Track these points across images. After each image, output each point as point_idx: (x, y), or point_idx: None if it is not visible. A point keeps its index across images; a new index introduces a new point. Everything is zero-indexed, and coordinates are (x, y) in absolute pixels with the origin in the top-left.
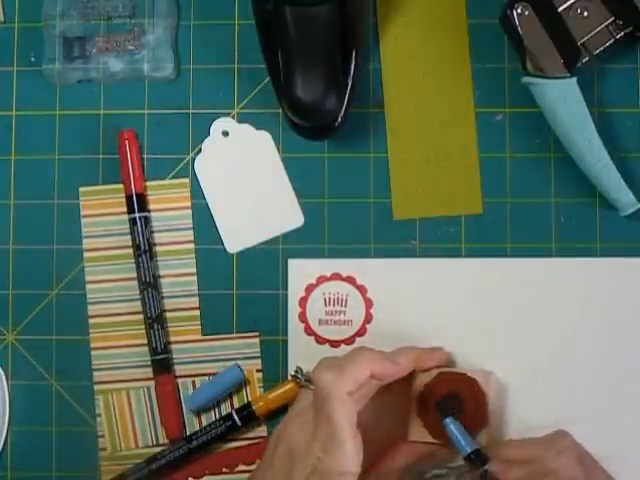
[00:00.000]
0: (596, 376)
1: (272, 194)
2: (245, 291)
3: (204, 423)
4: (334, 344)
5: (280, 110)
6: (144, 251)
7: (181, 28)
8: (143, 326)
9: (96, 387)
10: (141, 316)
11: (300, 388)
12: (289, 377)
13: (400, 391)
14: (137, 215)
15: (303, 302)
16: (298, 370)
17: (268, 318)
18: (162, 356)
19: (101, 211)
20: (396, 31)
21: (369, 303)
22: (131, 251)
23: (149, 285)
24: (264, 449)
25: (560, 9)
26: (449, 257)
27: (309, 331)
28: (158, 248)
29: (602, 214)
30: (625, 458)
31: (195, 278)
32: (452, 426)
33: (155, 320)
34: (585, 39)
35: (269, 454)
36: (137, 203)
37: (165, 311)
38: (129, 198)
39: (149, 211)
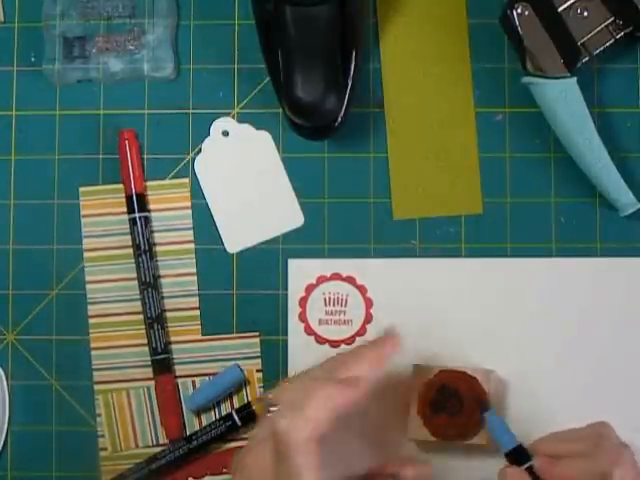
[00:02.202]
0: (596, 376)
1: (272, 194)
2: (245, 291)
3: (204, 423)
4: (334, 344)
5: (280, 110)
6: (144, 251)
7: (181, 28)
8: (143, 326)
9: (96, 387)
10: (141, 316)
11: (265, 414)
12: (256, 400)
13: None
14: (137, 215)
15: (303, 302)
16: (264, 394)
17: (268, 318)
18: (162, 356)
19: (101, 211)
20: (396, 31)
21: (369, 303)
22: (131, 251)
23: (149, 285)
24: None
25: (560, 9)
26: (449, 257)
27: (309, 331)
28: (158, 248)
29: (602, 214)
30: None
31: (195, 278)
32: (493, 420)
33: (155, 320)
34: (585, 39)
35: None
36: (137, 203)
37: (165, 311)
38: (129, 198)
39: (149, 211)
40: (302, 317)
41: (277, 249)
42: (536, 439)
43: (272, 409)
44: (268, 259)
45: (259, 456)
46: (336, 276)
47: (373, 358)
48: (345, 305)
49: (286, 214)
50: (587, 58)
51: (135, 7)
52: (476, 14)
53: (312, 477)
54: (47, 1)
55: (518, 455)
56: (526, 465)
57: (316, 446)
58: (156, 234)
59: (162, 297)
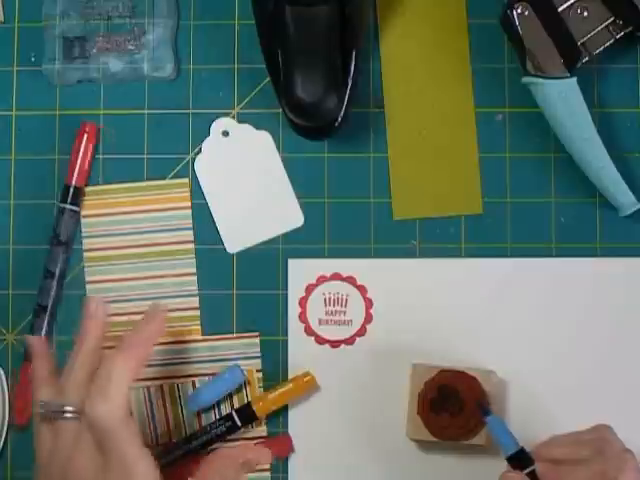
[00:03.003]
0: (596, 376)
1: (272, 194)
2: (245, 291)
3: (204, 423)
4: (334, 344)
5: (280, 110)
6: (61, 242)
7: (181, 28)
8: None
9: None
10: (141, 316)
11: (56, 421)
12: (34, 413)
13: None
14: (67, 206)
15: (303, 302)
16: (44, 403)
17: (268, 318)
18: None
19: (101, 211)
20: (396, 31)
21: (369, 303)
22: (131, 251)
23: (52, 275)
24: None
25: (560, 9)
26: (449, 257)
27: (309, 331)
28: (158, 248)
29: (602, 214)
30: None
31: (195, 278)
32: (495, 423)
33: (44, 309)
34: (585, 39)
35: None
36: (72, 195)
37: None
38: (66, 187)
39: (79, 207)
40: (302, 317)
41: (277, 249)
42: (538, 443)
43: (48, 412)
44: (268, 259)
45: (87, 459)
46: (336, 276)
47: (144, 329)
48: (345, 305)
49: (286, 214)
50: (587, 58)
51: (135, 7)
52: (476, 14)
53: (141, 459)
54: (47, 1)
55: (520, 459)
56: (528, 470)
57: (133, 424)
58: (156, 234)
59: (162, 297)
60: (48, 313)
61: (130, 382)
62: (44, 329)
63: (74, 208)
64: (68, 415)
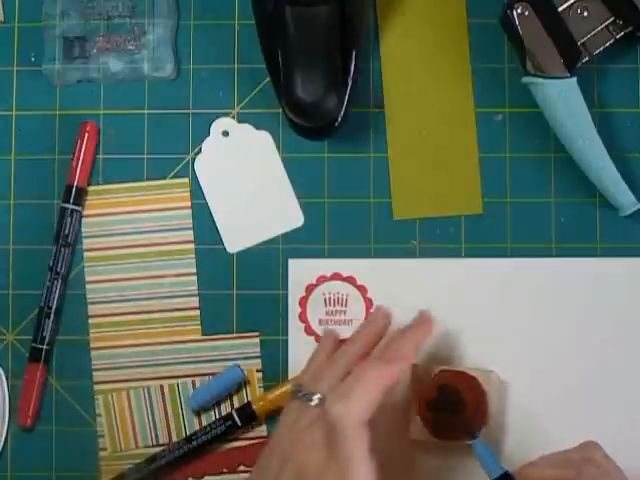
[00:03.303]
0: (596, 376)
1: (272, 194)
2: (245, 291)
3: (204, 423)
4: None
5: (280, 110)
6: (67, 244)
7: (181, 28)
8: (143, 326)
9: (96, 387)
10: (141, 316)
11: (301, 404)
12: (290, 390)
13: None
14: (70, 207)
15: (303, 302)
16: (298, 386)
17: (268, 318)
18: (40, 346)
19: (101, 211)
20: (396, 31)
21: (369, 303)
22: (131, 251)
23: (59, 275)
24: (260, 461)
25: (560, 9)
26: (449, 257)
27: (309, 331)
28: (158, 248)
29: (602, 214)
30: (630, 458)
31: (195, 278)
32: (480, 448)
33: (51, 311)
34: (585, 39)
35: (272, 470)
36: (74, 195)
37: (165, 311)
38: (68, 187)
39: (82, 208)
40: (302, 317)
41: (277, 249)
42: (525, 463)
43: (300, 395)
44: (268, 259)
45: (309, 446)
46: (336, 276)
47: (413, 338)
48: (345, 305)
49: (286, 214)
50: (587, 58)
51: (135, 7)
52: (476, 14)
53: (363, 461)
54: (47, 1)
55: None
56: None
57: (366, 430)
58: (156, 234)
59: (163, 297)
60: (54, 314)
61: (378, 394)
62: (50, 330)
63: (77, 208)
64: (313, 403)
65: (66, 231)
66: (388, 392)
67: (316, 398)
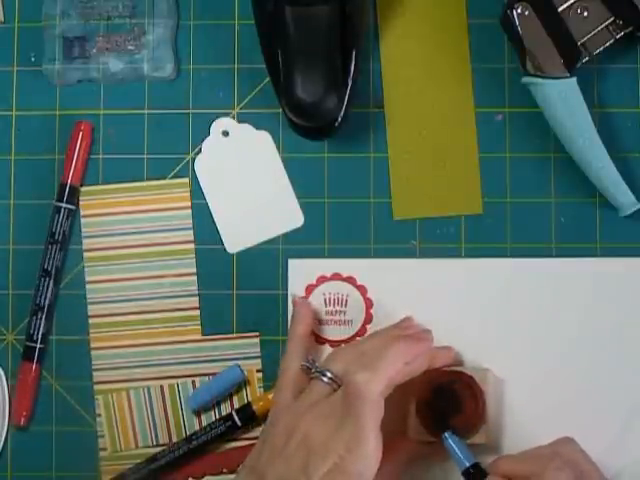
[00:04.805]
0: (596, 376)
1: (272, 194)
2: (245, 291)
3: (204, 423)
4: (334, 344)
5: (280, 110)
6: (56, 241)
7: (181, 28)
8: (143, 326)
9: (96, 387)
10: (141, 316)
11: (312, 380)
12: (300, 368)
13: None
14: (63, 205)
15: None
16: (310, 362)
17: (268, 318)
18: (32, 344)
19: (101, 211)
20: (396, 31)
21: (369, 303)
22: (131, 251)
23: (48, 274)
24: (265, 433)
25: (560, 9)
26: (449, 257)
27: None
28: (158, 248)
29: (602, 214)
30: (627, 457)
31: (195, 278)
32: (450, 440)
33: (41, 309)
34: (585, 39)
35: (279, 441)
36: (68, 194)
37: (165, 311)
38: (62, 186)
39: (77, 207)
40: None
41: (277, 249)
42: (499, 456)
43: (313, 371)
44: (268, 259)
45: (321, 418)
46: (336, 276)
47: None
48: (345, 305)
49: (286, 214)
50: (587, 58)
51: (135, 7)
52: (476, 14)
53: (374, 431)
54: (47, 1)
55: (474, 474)
56: None
57: (383, 406)
58: (156, 234)
59: (163, 297)
60: (45, 312)
61: (401, 370)
62: (41, 328)
63: (69, 207)
64: (325, 379)
65: (53, 229)
66: (409, 373)
67: (329, 375)
